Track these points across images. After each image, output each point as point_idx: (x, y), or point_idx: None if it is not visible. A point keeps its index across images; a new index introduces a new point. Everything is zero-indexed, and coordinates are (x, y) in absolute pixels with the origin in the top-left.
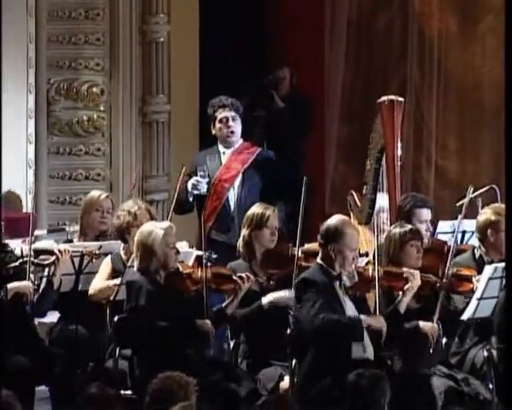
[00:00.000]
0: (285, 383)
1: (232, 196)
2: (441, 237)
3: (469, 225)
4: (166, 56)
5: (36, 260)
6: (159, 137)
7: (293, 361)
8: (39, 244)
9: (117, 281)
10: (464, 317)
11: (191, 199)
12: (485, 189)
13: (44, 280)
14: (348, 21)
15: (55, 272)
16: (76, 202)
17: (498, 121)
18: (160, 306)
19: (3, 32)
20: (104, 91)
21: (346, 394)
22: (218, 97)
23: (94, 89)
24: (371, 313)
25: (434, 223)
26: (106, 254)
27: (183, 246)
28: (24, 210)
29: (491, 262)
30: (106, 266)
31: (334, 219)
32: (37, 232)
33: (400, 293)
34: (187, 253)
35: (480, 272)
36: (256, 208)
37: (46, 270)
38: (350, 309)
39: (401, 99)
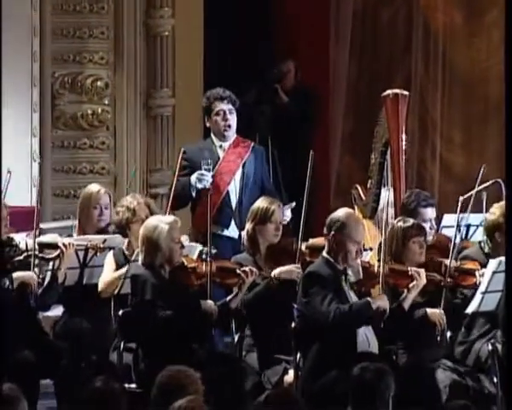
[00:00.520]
0: (289, 376)
1: (233, 189)
2: (446, 231)
3: (474, 219)
4: (171, 50)
5: (40, 254)
6: (163, 130)
7: (298, 355)
8: (44, 238)
9: (123, 270)
10: (469, 310)
11: (194, 193)
12: (490, 182)
13: (49, 274)
14: (353, 14)
15: (59, 265)
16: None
17: (503, 115)
18: (164, 300)
19: (8, 25)
20: (109, 85)
21: (351, 387)
22: (215, 89)
23: (98, 82)
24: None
25: (439, 217)
26: (110, 248)
27: (183, 240)
28: (28, 204)
29: None
30: (109, 261)
31: (339, 211)
32: (42, 225)
33: (405, 290)
34: (191, 247)
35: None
36: (261, 202)
37: (51, 264)
38: None
39: (406, 93)
